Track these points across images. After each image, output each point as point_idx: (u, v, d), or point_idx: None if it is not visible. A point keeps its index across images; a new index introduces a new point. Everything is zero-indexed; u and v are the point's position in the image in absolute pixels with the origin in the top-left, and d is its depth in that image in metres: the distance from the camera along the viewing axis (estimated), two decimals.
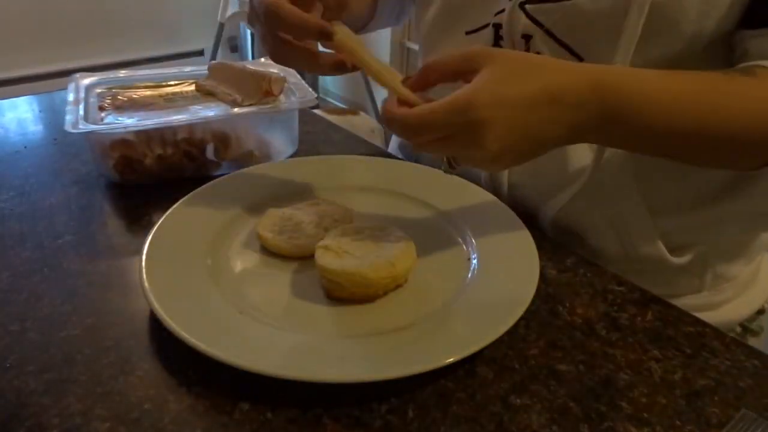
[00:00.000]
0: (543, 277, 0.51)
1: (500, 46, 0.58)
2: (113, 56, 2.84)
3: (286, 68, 0.72)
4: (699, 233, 0.61)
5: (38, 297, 0.49)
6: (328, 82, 3.01)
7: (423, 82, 0.46)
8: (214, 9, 2.70)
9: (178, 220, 0.55)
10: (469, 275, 0.51)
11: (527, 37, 0.56)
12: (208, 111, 0.67)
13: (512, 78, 0.43)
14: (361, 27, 0.72)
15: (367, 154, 0.71)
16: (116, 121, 0.65)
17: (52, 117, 0.86)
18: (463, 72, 0.44)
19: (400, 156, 0.80)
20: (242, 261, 0.53)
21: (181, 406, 0.40)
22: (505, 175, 0.64)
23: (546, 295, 0.50)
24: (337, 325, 0.46)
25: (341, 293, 0.47)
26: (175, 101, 0.71)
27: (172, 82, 0.77)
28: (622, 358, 0.44)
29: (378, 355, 0.43)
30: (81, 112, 0.65)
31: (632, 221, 0.59)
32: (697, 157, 0.51)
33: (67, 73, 0.84)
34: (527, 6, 0.55)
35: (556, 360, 0.44)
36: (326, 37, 0.48)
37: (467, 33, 0.61)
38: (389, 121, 0.44)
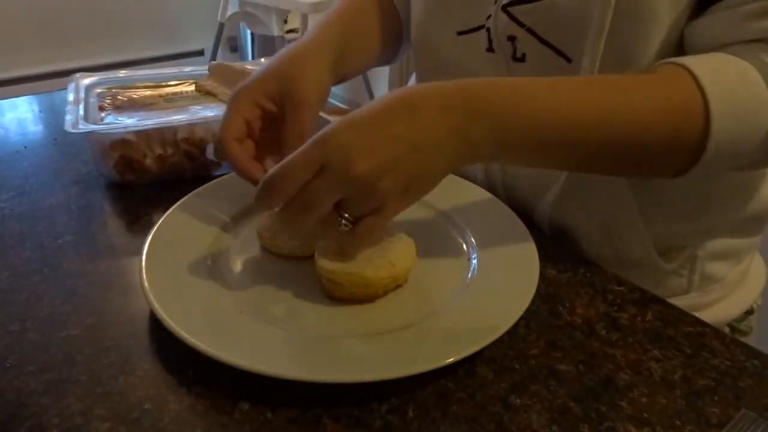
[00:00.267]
0: (543, 277, 0.51)
1: (492, 49, 0.59)
2: (113, 56, 2.84)
3: None
4: (690, 238, 0.61)
5: (38, 297, 0.49)
6: None
7: None
8: (214, 9, 2.71)
9: (178, 220, 0.55)
10: (469, 275, 0.51)
11: (512, 38, 0.56)
12: (208, 111, 0.67)
13: (364, 108, 0.43)
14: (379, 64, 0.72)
15: None
16: (116, 121, 0.65)
17: (52, 117, 0.86)
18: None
19: None
20: (242, 261, 0.53)
21: (181, 406, 0.40)
22: (500, 177, 0.64)
23: (546, 295, 0.50)
24: (337, 325, 0.46)
25: (341, 293, 0.47)
26: (175, 101, 0.71)
27: (172, 82, 0.77)
28: (622, 358, 0.44)
29: (378, 355, 0.43)
30: (81, 112, 0.65)
31: (625, 227, 0.59)
32: (604, 161, 0.49)
33: (67, 73, 0.84)
34: (509, 8, 0.55)
35: (556, 360, 0.44)
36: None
37: (459, 33, 0.61)
38: (264, 188, 0.43)
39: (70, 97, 0.69)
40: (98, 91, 0.73)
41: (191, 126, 0.66)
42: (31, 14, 2.63)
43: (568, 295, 0.51)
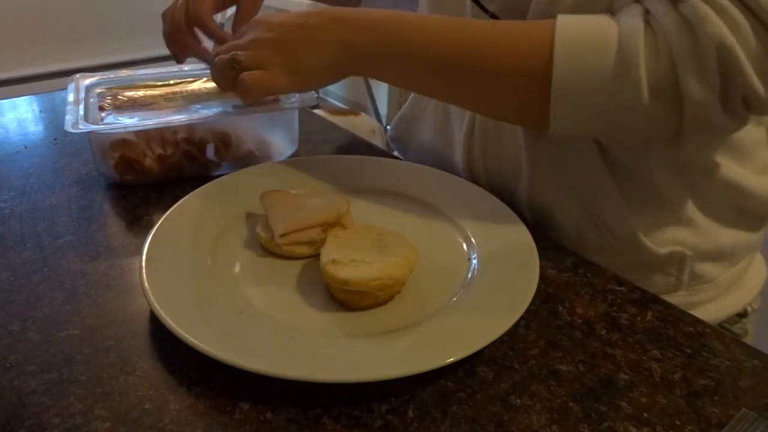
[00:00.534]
0: (543, 277, 0.51)
1: None
2: (113, 56, 2.84)
3: None
4: (675, 231, 0.60)
5: (38, 297, 0.49)
6: None
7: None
8: None
9: (178, 220, 0.55)
10: (469, 275, 0.51)
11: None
12: (208, 111, 0.67)
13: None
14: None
15: (367, 154, 0.71)
16: (116, 121, 0.65)
17: (52, 117, 0.86)
18: None
19: (400, 156, 0.80)
20: (242, 261, 0.53)
21: (181, 406, 0.40)
22: (481, 165, 0.65)
23: (546, 295, 0.50)
24: (338, 325, 0.46)
25: (366, 302, 0.46)
26: (175, 101, 0.71)
27: (172, 82, 0.77)
28: (622, 358, 0.44)
29: (378, 355, 0.43)
30: (81, 112, 0.65)
31: (605, 208, 0.58)
32: (463, 84, 0.54)
33: (67, 73, 0.84)
34: None
35: (556, 360, 0.44)
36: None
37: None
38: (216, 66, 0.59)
39: (70, 97, 0.69)
40: (98, 91, 0.73)
41: (191, 126, 0.66)
42: (31, 14, 2.62)
43: (568, 295, 0.51)
